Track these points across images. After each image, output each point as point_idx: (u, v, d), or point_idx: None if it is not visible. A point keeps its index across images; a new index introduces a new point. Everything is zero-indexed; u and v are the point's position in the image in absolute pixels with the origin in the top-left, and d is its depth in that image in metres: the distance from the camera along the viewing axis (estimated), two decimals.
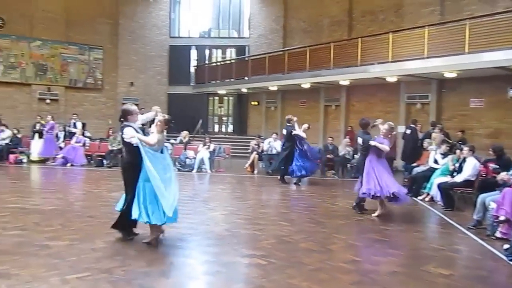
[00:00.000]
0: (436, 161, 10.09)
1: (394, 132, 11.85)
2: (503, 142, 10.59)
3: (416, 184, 10.04)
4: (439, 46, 12.39)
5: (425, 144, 11.30)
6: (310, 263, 4.88)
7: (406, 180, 10.90)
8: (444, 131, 12.55)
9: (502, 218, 6.15)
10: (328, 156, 14.04)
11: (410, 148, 12.52)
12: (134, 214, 5.21)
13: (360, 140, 8.05)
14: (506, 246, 5.54)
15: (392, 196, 7.33)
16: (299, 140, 11.41)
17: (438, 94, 14.43)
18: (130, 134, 5.28)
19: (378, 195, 7.36)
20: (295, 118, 11.68)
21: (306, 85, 17.62)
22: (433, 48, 12.47)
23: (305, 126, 11.69)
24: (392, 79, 14.46)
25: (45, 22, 19.86)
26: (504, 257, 5.33)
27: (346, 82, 16.24)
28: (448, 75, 12.95)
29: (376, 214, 7.61)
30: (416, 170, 10.73)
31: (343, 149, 14.02)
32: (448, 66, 12.32)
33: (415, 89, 15.05)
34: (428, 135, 12.50)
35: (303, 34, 20.50)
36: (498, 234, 6.24)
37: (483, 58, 11.23)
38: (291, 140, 11.46)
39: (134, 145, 5.24)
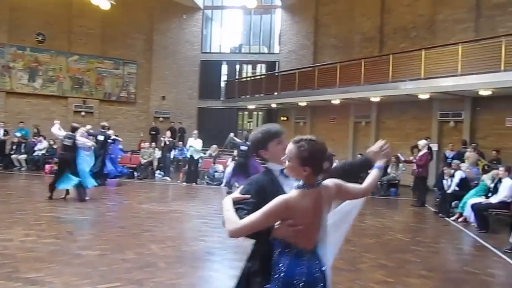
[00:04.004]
0: (460, 184, 9.83)
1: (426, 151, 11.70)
2: None
3: (447, 203, 9.81)
4: (473, 63, 12.12)
5: (454, 165, 10.85)
6: (339, 282, 4.81)
7: (437, 199, 10.61)
8: (478, 150, 12.22)
9: None
10: None
11: None
12: None
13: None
14: None
15: None
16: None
17: (472, 112, 14.09)
18: None
19: None
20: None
21: (336, 101, 17.54)
22: (467, 65, 12.21)
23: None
24: (424, 96, 14.23)
25: (82, 37, 20.62)
26: None
27: (377, 99, 16.08)
28: (482, 92, 12.63)
29: None
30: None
31: None
32: (483, 83, 12.01)
33: (448, 107, 14.74)
34: (460, 155, 12.16)
35: (333, 50, 20.49)
36: None
37: None
38: None
39: None
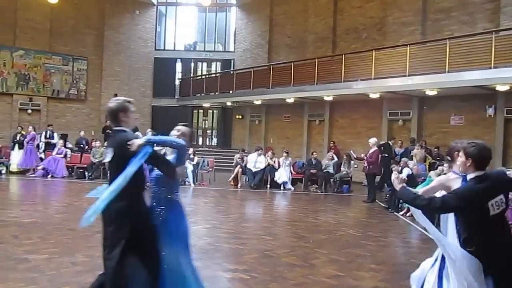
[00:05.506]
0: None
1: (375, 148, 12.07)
2: None
3: (396, 199, 10.17)
4: (420, 64, 12.66)
5: (402, 162, 11.26)
6: (292, 277, 4.89)
7: (387, 195, 10.99)
8: (426, 148, 12.76)
9: None
10: (312, 171, 14.12)
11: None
12: None
13: None
14: None
15: None
16: None
17: (420, 111, 14.72)
18: None
19: None
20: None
21: (290, 100, 17.77)
22: (415, 66, 12.74)
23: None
24: (374, 95, 14.69)
25: (29, 31, 19.69)
26: None
27: (330, 98, 16.44)
28: (429, 92, 13.22)
29: None
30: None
31: (326, 163, 14.13)
32: (429, 84, 12.58)
33: (397, 106, 15.32)
34: (407, 152, 12.64)
35: (288, 50, 20.74)
36: None
37: (462, 77, 11.52)
38: None
39: None
